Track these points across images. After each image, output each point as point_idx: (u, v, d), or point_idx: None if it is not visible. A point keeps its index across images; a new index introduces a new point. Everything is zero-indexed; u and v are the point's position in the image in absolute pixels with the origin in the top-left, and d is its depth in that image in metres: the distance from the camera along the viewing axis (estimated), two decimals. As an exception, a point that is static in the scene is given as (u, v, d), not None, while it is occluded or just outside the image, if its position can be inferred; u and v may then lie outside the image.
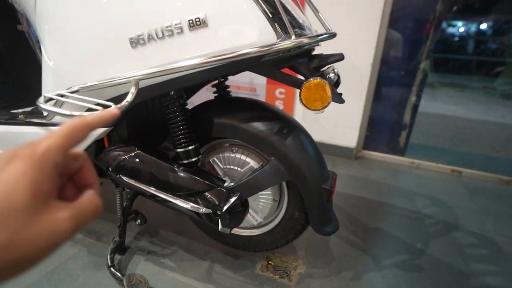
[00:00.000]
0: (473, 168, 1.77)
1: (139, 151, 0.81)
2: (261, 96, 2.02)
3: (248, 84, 2.03)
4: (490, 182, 1.70)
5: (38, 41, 1.21)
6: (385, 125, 1.95)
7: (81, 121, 0.26)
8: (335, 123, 1.87)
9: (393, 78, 1.84)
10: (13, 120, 0.92)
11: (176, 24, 0.61)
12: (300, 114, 1.94)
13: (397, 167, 1.84)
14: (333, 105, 1.98)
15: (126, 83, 0.65)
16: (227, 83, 0.99)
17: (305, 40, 0.62)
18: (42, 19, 0.74)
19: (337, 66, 0.77)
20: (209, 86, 1.01)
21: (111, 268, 0.90)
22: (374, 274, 0.99)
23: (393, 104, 1.90)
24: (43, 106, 0.65)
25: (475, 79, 4.20)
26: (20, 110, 1.01)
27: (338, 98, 0.72)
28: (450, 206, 1.41)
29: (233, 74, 0.93)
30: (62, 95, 0.67)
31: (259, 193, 0.87)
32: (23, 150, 0.22)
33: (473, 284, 0.96)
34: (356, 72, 1.70)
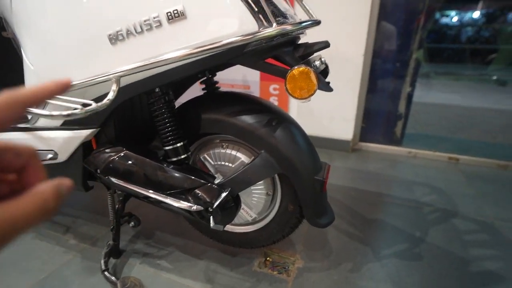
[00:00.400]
0: (470, 154, 1.76)
1: (127, 151, 0.79)
2: (255, 93, 2.01)
3: (241, 82, 2.02)
4: (488, 167, 1.69)
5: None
6: (380, 116, 1.94)
7: (11, 94, 0.20)
8: (331, 116, 1.85)
9: (386, 68, 1.82)
10: (-2, 127, 0.90)
11: (154, 18, 0.60)
12: (295, 109, 1.93)
13: (395, 158, 1.82)
14: (327, 98, 1.96)
15: (107, 80, 0.63)
16: (217, 80, 0.97)
17: (288, 27, 0.61)
18: (19, 22, 0.73)
19: (328, 57, 0.76)
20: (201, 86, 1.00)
21: (105, 272, 0.89)
22: (373, 264, 0.97)
23: (387, 95, 1.88)
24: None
25: (470, 67, 4.20)
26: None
27: (326, 87, 0.70)
28: (448, 194, 1.40)
29: (219, 69, 0.92)
30: (42, 96, 0.65)
31: (252, 188, 0.85)
32: None
33: (473, 269, 0.95)
34: (349, 64, 1.69)
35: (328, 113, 1.85)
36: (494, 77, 3.68)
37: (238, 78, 2.01)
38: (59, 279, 0.91)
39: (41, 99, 0.21)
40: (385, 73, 1.84)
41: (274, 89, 1.95)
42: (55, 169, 0.90)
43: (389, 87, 1.87)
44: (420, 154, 1.85)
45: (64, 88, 0.23)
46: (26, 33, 0.73)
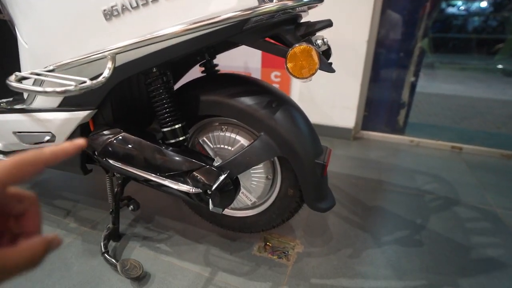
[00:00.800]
0: (474, 144, 1.74)
1: (125, 133, 0.78)
2: (256, 81, 1.98)
3: (242, 69, 1.99)
4: (491, 157, 1.67)
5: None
6: (383, 104, 1.91)
7: (36, 154, 0.22)
8: (332, 104, 1.83)
9: (390, 56, 1.79)
10: (-5, 109, 0.89)
11: (150, -9, 0.58)
12: (297, 96, 1.90)
13: (397, 146, 1.81)
14: (329, 85, 1.94)
15: (102, 58, 0.62)
16: (217, 63, 0.95)
17: (289, 3, 0.58)
18: (13, 1, 0.71)
19: (331, 43, 0.73)
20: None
21: (105, 254, 0.89)
22: (373, 250, 0.97)
23: (390, 83, 1.85)
24: (13, 84, 0.63)
25: (475, 57, 4.13)
26: (3, 100, 0.98)
27: (327, 67, 0.68)
28: (450, 182, 1.39)
29: (219, 50, 0.90)
30: (36, 74, 0.64)
31: (252, 172, 0.84)
32: None
33: (474, 256, 0.95)
34: (351, 50, 1.66)
35: (330, 100, 1.83)
36: (500, 67, 3.62)
37: (239, 65, 1.98)
38: (60, 261, 0.91)
39: (60, 158, 0.24)
40: (389, 61, 1.80)
41: (276, 76, 1.93)
42: (53, 152, 0.89)
43: (392, 76, 1.84)
44: (423, 143, 1.83)
45: (80, 148, 0.26)
46: (20, 12, 0.71)
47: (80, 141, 0.26)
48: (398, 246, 0.99)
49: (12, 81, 0.63)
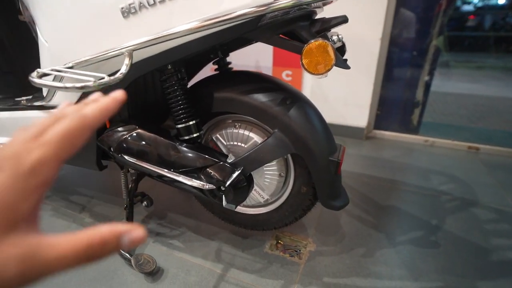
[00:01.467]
0: (491, 144, 1.69)
1: (140, 129, 0.79)
2: (267, 79, 1.98)
3: (254, 68, 1.99)
4: (510, 157, 1.62)
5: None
6: (396, 103, 1.87)
7: (80, 120, 0.20)
8: (345, 102, 1.81)
9: (404, 54, 1.75)
10: (16, 106, 0.92)
11: (167, -11, 0.58)
12: (308, 94, 1.89)
13: (411, 146, 1.77)
14: (341, 83, 1.92)
15: (119, 54, 0.63)
16: (230, 61, 0.96)
17: (304, -1, 0.58)
18: (35, 2, 0.73)
19: (344, 39, 0.72)
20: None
21: (120, 249, 0.91)
22: (387, 250, 0.95)
23: (404, 82, 1.82)
24: (35, 80, 0.64)
25: (493, 56, 4.00)
26: (23, 98, 1.01)
27: (343, 64, 0.67)
28: (467, 183, 1.35)
29: (233, 47, 0.90)
30: (56, 70, 0.65)
31: (265, 169, 0.84)
32: (7, 161, 0.18)
33: (494, 259, 0.92)
34: (365, 48, 1.63)
35: (342, 99, 1.81)
36: (519, 65, 3.50)
37: (250, 63, 1.99)
38: (76, 255, 0.94)
39: (104, 118, 0.22)
40: (403, 59, 1.77)
41: (287, 75, 1.92)
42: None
43: (406, 74, 1.80)
44: (438, 142, 1.78)
45: (121, 101, 0.23)
46: (41, 11, 0.73)
47: (119, 93, 0.23)
48: (413, 246, 0.97)
49: (34, 77, 0.65)
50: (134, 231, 0.19)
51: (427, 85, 1.79)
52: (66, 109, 0.22)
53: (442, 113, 2.32)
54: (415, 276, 0.86)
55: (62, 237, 0.18)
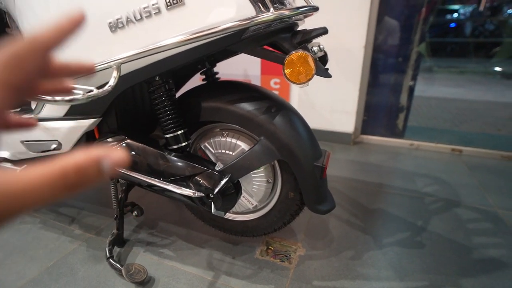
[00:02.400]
0: (474, 146, 1.75)
1: (129, 139, 0.81)
2: (256, 88, 2.01)
3: (242, 76, 2.03)
4: (492, 158, 1.68)
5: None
6: (382, 108, 1.93)
7: (30, 40, 0.19)
8: (332, 109, 1.85)
9: (388, 61, 1.82)
10: (4, 119, 0.92)
11: (153, 4, 0.61)
12: (296, 102, 1.93)
13: (396, 150, 1.82)
14: (328, 91, 1.96)
15: (107, 68, 0.65)
16: (217, 71, 0.98)
17: (285, 12, 0.61)
18: (21, 13, 0.74)
19: (329, 49, 0.76)
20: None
21: (110, 260, 0.91)
22: (374, 252, 0.98)
23: (389, 88, 1.88)
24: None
25: (473, 61, 4.15)
26: (11, 111, 1.01)
27: (324, 73, 0.71)
28: (451, 184, 1.40)
29: (219, 58, 0.93)
30: (45, 84, 0.66)
31: (253, 176, 0.86)
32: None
33: (476, 257, 0.95)
34: (349, 56, 1.69)
35: (329, 106, 1.85)
36: (498, 70, 3.64)
37: (239, 72, 2.02)
38: (66, 267, 0.93)
39: (60, 40, 0.19)
40: (387, 65, 1.83)
41: (275, 83, 1.96)
42: (59, 160, 0.92)
43: (390, 80, 1.87)
44: (423, 146, 1.84)
45: (79, 22, 0.20)
46: (29, 25, 0.74)
47: (77, 14, 0.20)
48: (399, 247, 1.00)
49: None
50: (113, 152, 0.17)
51: (411, 90, 1.85)
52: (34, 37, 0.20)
53: (426, 117, 2.39)
54: (401, 276, 0.88)
55: (32, 169, 0.16)
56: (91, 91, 0.60)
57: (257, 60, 1.93)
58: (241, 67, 2.00)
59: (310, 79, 0.64)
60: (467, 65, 4.13)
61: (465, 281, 0.86)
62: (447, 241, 1.03)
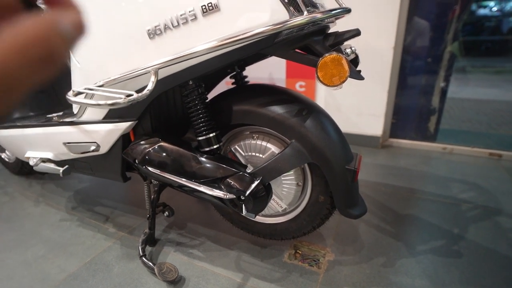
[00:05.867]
0: (514, 150, 1.64)
1: (162, 142, 0.84)
2: (281, 91, 2.01)
3: (268, 80, 2.04)
4: (535, 164, 1.56)
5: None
6: (412, 111, 1.86)
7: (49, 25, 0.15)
8: (359, 112, 1.81)
9: (418, 62, 1.75)
10: (48, 122, 0.99)
11: (190, 11, 0.63)
12: (322, 105, 1.90)
13: (428, 154, 1.74)
14: (355, 93, 1.93)
15: (145, 73, 0.68)
16: (246, 75, 1.00)
17: (318, 15, 0.61)
18: None
19: (357, 49, 0.75)
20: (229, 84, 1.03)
21: (143, 258, 0.94)
22: (408, 260, 0.94)
23: (419, 89, 1.81)
24: (72, 98, 0.70)
25: (512, 59, 3.88)
26: (54, 114, 1.08)
27: (357, 75, 0.70)
28: (490, 191, 1.31)
29: (250, 62, 0.94)
30: (89, 89, 0.71)
31: (283, 178, 0.86)
32: None
33: (521, 269, 0.89)
34: (378, 57, 1.65)
35: (356, 108, 1.81)
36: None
37: (264, 76, 2.03)
38: (102, 263, 0.98)
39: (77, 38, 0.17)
40: (417, 66, 1.77)
41: (300, 86, 1.95)
42: (96, 161, 0.97)
43: (421, 81, 1.79)
44: (457, 150, 1.75)
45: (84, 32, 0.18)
46: None
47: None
48: (434, 256, 0.95)
49: (70, 95, 0.71)
50: (66, 13, 0.16)
51: (443, 92, 1.77)
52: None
53: (460, 119, 2.27)
54: (438, 286, 0.84)
55: None
56: (131, 95, 0.63)
57: (282, 64, 1.94)
58: (266, 71, 2.01)
59: (343, 82, 0.63)
60: (505, 65, 3.89)
61: (510, 294, 0.81)
62: (487, 251, 0.96)
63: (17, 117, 1.27)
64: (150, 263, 0.92)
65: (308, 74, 1.89)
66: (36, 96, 1.28)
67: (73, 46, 0.16)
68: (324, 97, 1.88)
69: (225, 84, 2.01)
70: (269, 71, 2.01)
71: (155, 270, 0.88)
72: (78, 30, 0.16)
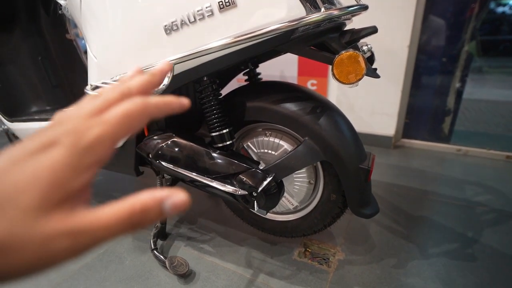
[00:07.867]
0: (532, 153, 1.59)
1: (176, 137, 0.84)
2: (292, 89, 2.00)
3: (279, 77, 2.03)
4: (555, 168, 1.51)
5: (84, 48, 1.32)
6: (426, 111, 1.82)
7: (143, 105, 0.20)
8: (372, 111, 1.79)
9: (433, 61, 1.71)
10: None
11: (206, 7, 0.63)
12: (334, 103, 1.88)
13: (442, 155, 1.71)
14: (368, 92, 1.90)
15: (162, 68, 0.68)
16: (259, 72, 1.00)
17: (334, 12, 0.61)
18: (86, 20, 0.81)
19: (372, 48, 0.74)
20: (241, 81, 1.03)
21: (154, 251, 0.95)
22: (420, 262, 0.93)
23: (434, 89, 1.77)
24: (90, 92, 0.71)
25: (531, 60, 3.76)
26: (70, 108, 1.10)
27: (373, 73, 0.69)
28: (506, 194, 1.28)
29: (264, 59, 0.94)
30: (106, 83, 0.72)
31: (294, 176, 0.86)
32: (66, 137, 0.17)
33: (538, 275, 0.86)
34: (392, 56, 1.62)
35: (369, 107, 1.79)
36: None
37: (275, 74, 2.03)
38: (114, 255, 1.00)
39: (163, 112, 0.21)
40: (432, 66, 1.73)
41: (312, 84, 1.93)
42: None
43: (436, 81, 1.76)
44: (472, 152, 1.71)
45: (184, 106, 0.23)
46: (92, 30, 0.81)
47: (185, 100, 0.23)
48: (447, 259, 0.94)
49: (88, 90, 0.72)
50: (175, 195, 0.19)
51: (459, 92, 1.73)
52: (132, 84, 0.22)
53: (475, 121, 2.21)
54: (451, 289, 0.83)
55: (106, 208, 0.18)
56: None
57: (294, 61, 1.93)
58: (278, 68, 2.01)
59: (360, 79, 0.62)
60: (523, 65, 3.77)
61: (526, 300, 0.79)
62: (504, 256, 0.94)
63: (35, 111, 1.30)
64: (162, 257, 0.93)
65: (320, 72, 1.87)
66: (52, 91, 1.31)
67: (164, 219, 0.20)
68: (336, 95, 1.86)
69: (237, 82, 2.01)
70: (281, 68, 2.00)
71: (166, 263, 0.90)
72: (175, 211, 0.19)
